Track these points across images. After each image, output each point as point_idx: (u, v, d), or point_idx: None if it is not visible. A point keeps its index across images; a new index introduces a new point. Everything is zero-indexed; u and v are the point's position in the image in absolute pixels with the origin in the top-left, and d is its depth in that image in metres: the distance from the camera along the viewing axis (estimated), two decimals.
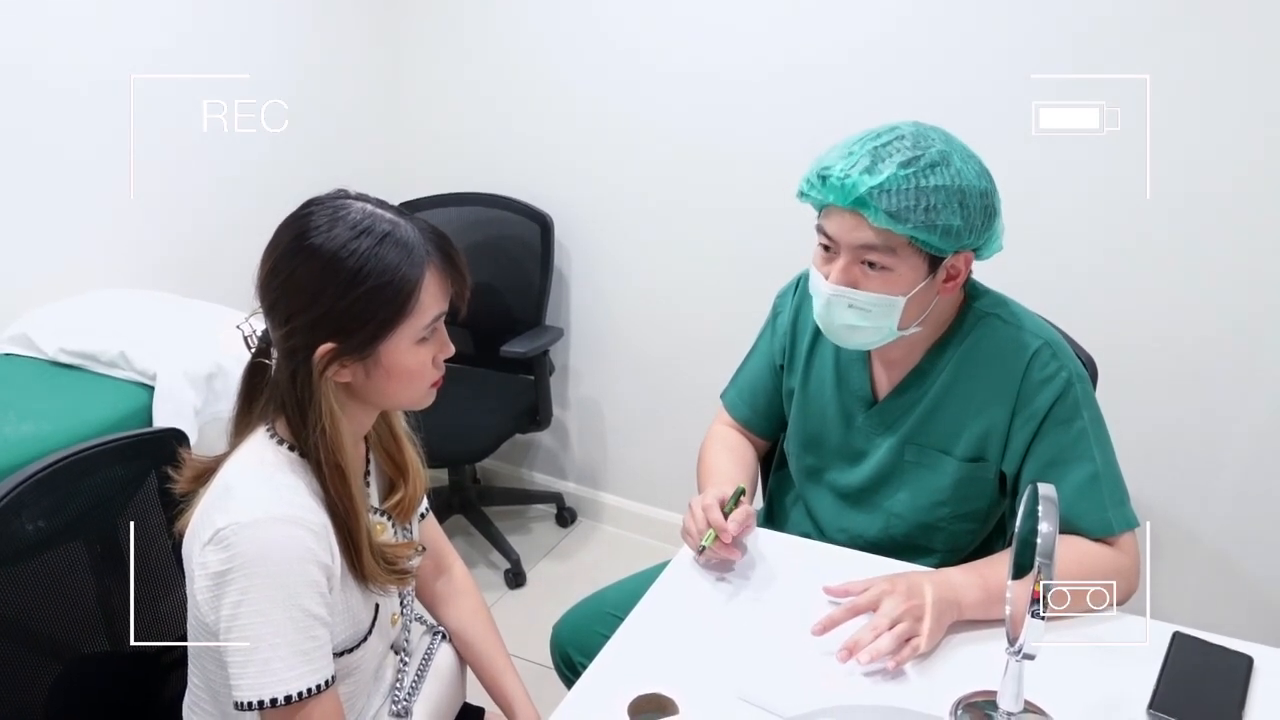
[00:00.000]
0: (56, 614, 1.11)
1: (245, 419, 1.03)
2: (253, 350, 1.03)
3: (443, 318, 1.01)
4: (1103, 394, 1.32)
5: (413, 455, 1.14)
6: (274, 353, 1.00)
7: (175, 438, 1.19)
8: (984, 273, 1.33)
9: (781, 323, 1.46)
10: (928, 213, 1.14)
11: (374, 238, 0.93)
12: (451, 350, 1.04)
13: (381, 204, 0.98)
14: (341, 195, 0.98)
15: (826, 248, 1.22)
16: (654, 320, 2.49)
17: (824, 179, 1.17)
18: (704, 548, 1.22)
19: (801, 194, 1.22)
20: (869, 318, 1.21)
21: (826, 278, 1.21)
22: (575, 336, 2.62)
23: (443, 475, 2.65)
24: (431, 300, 0.97)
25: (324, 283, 0.93)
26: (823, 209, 1.21)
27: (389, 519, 1.11)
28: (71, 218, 1.94)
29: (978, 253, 1.22)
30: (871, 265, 1.18)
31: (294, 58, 2.33)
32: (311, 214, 0.95)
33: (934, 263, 1.19)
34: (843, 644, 1.09)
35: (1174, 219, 1.87)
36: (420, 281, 0.95)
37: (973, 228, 1.17)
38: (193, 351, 1.69)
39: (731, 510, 1.25)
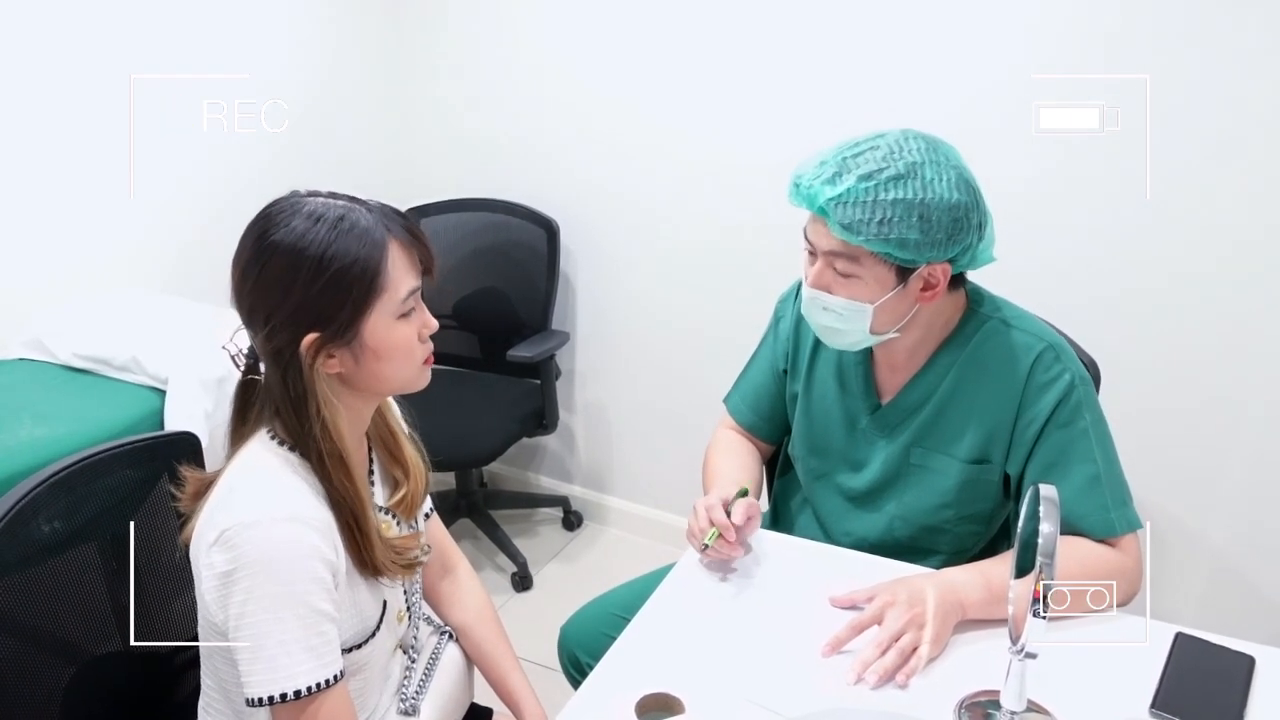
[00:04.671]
0: (72, 614, 1.12)
1: (240, 432, 1.05)
2: (241, 369, 1.05)
3: (418, 292, 1.02)
4: (1104, 395, 1.33)
5: (412, 452, 1.16)
6: (262, 366, 1.02)
7: (188, 441, 1.21)
8: (985, 274, 1.34)
9: (784, 328, 1.47)
10: (882, 226, 1.14)
11: (330, 223, 0.96)
12: (435, 324, 1.06)
13: (334, 195, 1.01)
14: (294, 194, 1.00)
15: (810, 251, 1.25)
16: (659, 324, 2.50)
17: (796, 186, 1.20)
18: (707, 545, 1.23)
19: (788, 198, 1.24)
20: (843, 321, 1.23)
21: (807, 279, 1.24)
22: (581, 341, 2.64)
23: (450, 479, 2.67)
24: (401, 274, 0.99)
25: (292, 274, 0.95)
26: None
27: (393, 517, 1.12)
28: (76, 220, 1.96)
29: (958, 263, 1.22)
30: (839, 271, 1.20)
31: (295, 59, 2.35)
32: (269, 215, 0.98)
33: (903, 272, 1.19)
34: (851, 665, 1.10)
35: (1174, 219, 1.87)
36: (385, 257, 0.97)
37: (935, 241, 1.17)
38: (204, 355, 1.71)
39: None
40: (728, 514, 1.25)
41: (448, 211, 2.58)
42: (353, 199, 1.00)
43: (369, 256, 0.96)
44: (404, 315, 1.00)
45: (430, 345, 1.06)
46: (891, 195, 1.14)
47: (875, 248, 1.16)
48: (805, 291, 1.25)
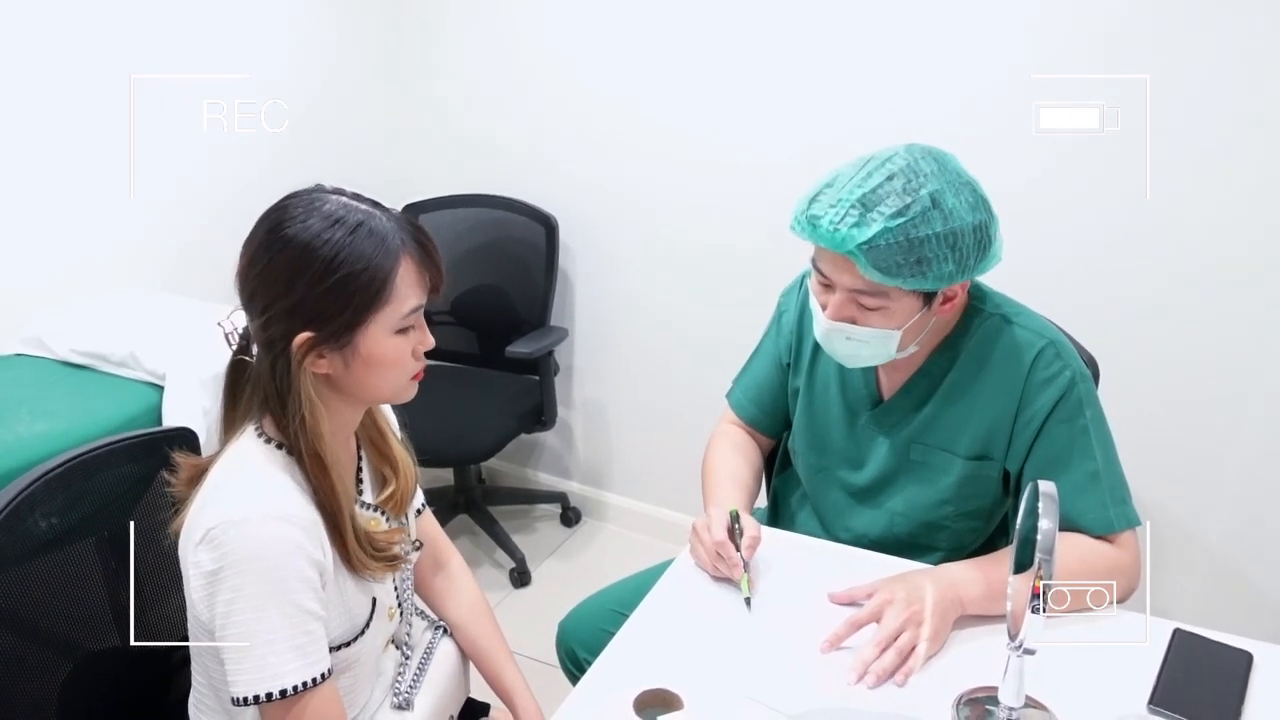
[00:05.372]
0: (68, 611, 1.12)
1: (231, 416, 1.04)
2: (234, 347, 1.04)
3: (422, 309, 1.02)
4: (1104, 393, 1.33)
5: (400, 450, 1.16)
6: (254, 349, 1.01)
7: (185, 436, 1.21)
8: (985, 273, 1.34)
9: (786, 321, 1.47)
10: (919, 264, 1.13)
11: (347, 227, 0.95)
12: (432, 342, 1.05)
13: (358, 197, 1.00)
14: (318, 189, 0.99)
15: (824, 283, 1.23)
16: (658, 320, 2.50)
17: (814, 225, 1.16)
18: (749, 599, 1.21)
19: (793, 230, 1.21)
20: (867, 346, 1.23)
21: (824, 308, 1.23)
22: (580, 337, 2.64)
23: (448, 475, 2.67)
24: (408, 290, 0.98)
25: (298, 271, 0.94)
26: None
27: (382, 513, 1.12)
28: (76, 219, 1.96)
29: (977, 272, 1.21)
30: (864, 305, 1.19)
31: (295, 58, 2.35)
32: (287, 206, 0.97)
33: (929, 296, 1.19)
34: (850, 664, 1.10)
35: (1174, 219, 1.88)
36: (395, 270, 0.97)
37: (966, 266, 1.16)
38: (202, 351, 1.71)
39: (738, 533, 1.25)
40: (729, 532, 1.24)
41: (446, 207, 2.58)
42: (374, 205, 0.99)
43: (379, 266, 0.95)
44: (402, 330, 1.00)
45: (423, 362, 1.05)
46: (924, 232, 1.12)
47: (912, 285, 1.15)
48: (823, 323, 1.23)
